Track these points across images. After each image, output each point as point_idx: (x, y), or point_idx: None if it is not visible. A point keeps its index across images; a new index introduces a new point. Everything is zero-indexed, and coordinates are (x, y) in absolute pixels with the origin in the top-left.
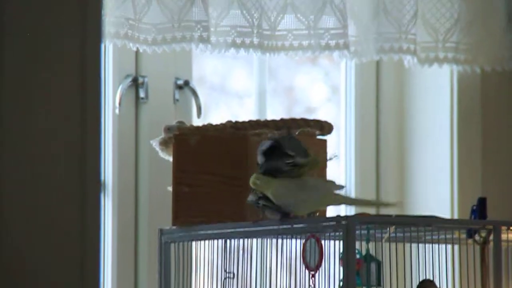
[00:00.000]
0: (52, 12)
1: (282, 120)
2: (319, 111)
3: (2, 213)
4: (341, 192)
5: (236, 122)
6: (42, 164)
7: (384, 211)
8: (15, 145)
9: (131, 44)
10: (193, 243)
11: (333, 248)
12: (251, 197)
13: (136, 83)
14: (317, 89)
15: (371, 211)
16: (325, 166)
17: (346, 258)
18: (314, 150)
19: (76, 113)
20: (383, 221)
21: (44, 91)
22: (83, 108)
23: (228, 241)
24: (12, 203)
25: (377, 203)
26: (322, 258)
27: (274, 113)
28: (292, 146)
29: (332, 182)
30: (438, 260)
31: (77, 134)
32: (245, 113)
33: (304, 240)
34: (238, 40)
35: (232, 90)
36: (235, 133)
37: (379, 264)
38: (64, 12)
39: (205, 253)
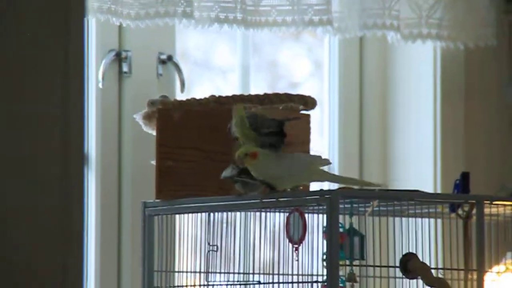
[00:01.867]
0: None
1: (265, 94)
2: (303, 86)
3: None
4: (326, 168)
5: (220, 96)
6: (24, 137)
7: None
8: None
9: (114, 19)
10: (177, 216)
11: (316, 221)
12: (227, 172)
13: (119, 58)
14: (301, 64)
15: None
16: (308, 141)
17: (330, 232)
18: (297, 125)
19: (59, 87)
20: (367, 195)
21: (27, 65)
22: (66, 82)
23: (211, 214)
24: None
25: (362, 183)
26: (305, 231)
27: (257, 88)
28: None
29: (319, 157)
30: (421, 234)
31: (60, 107)
32: (229, 88)
33: (287, 214)
34: (222, 16)
35: (215, 65)
36: (219, 107)
37: (362, 238)
38: None
39: (189, 226)
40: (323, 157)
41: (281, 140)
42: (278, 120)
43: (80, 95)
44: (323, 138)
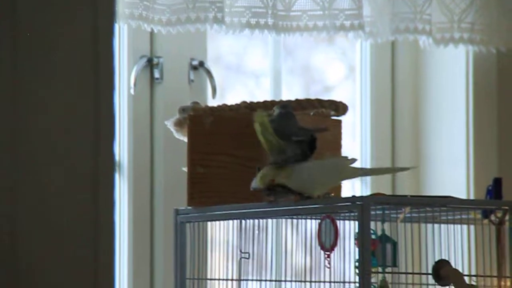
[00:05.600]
0: None
1: (297, 100)
2: (336, 90)
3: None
4: (355, 164)
5: (251, 102)
6: (56, 145)
7: (399, 190)
8: (27, 126)
9: (145, 25)
10: (209, 223)
11: (348, 228)
12: (257, 184)
13: (151, 64)
14: (334, 68)
15: (387, 189)
16: (339, 146)
17: (361, 239)
18: (329, 131)
19: (90, 94)
20: (399, 202)
21: (57, 72)
22: (97, 89)
23: (243, 221)
24: (25, 182)
25: (392, 170)
26: (337, 238)
27: (291, 92)
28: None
29: (345, 157)
30: (454, 240)
31: (91, 114)
32: (262, 93)
33: (319, 221)
34: (253, 21)
35: (248, 70)
36: (250, 113)
37: (394, 245)
38: None
39: (221, 233)
40: (349, 157)
41: (311, 150)
42: (308, 130)
43: (110, 101)
44: (356, 142)
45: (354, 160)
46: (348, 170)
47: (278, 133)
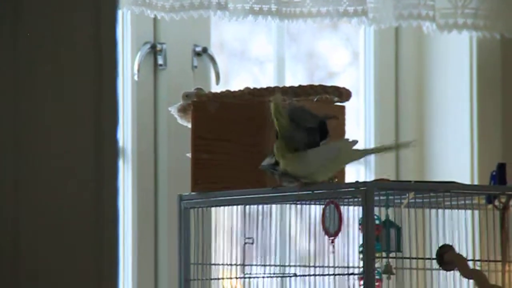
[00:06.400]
0: None
1: (300, 86)
2: (341, 76)
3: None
4: (357, 146)
5: (254, 88)
6: (59, 133)
7: (403, 176)
8: (30, 113)
9: (148, 11)
10: (213, 209)
11: (352, 213)
12: (266, 161)
13: (154, 50)
14: (338, 54)
15: (391, 175)
16: (343, 133)
17: (365, 224)
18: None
19: (93, 81)
20: (402, 187)
21: (60, 59)
22: (99, 75)
23: (247, 206)
24: (30, 169)
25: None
26: (341, 224)
27: (295, 79)
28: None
29: (346, 140)
30: (458, 225)
31: (94, 101)
32: (266, 79)
33: (323, 206)
34: (256, 7)
35: (252, 56)
36: (254, 99)
37: (398, 230)
38: None
39: (225, 218)
40: (350, 139)
41: (323, 137)
42: (319, 117)
43: (114, 87)
44: (360, 128)
45: (355, 141)
46: (351, 152)
47: (290, 117)
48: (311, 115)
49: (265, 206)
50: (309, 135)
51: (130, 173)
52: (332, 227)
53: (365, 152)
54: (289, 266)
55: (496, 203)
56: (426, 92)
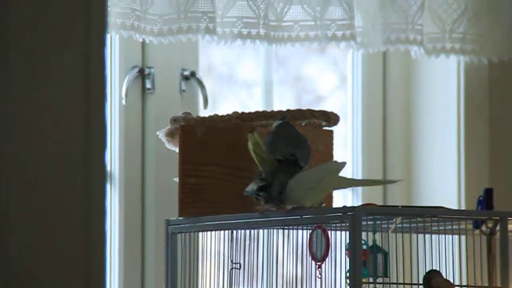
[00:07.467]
0: (57, 3)
1: (288, 111)
2: (328, 100)
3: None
4: (346, 175)
5: (242, 113)
6: (46, 155)
7: (390, 201)
8: (19, 136)
9: (137, 35)
10: (200, 233)
11: (339, 238)
12: (250, 187)
13: (142, 74)
14: (326, 78)
15: (378, 200)
16: (331, 157)
17: (353, 249)
18: (320, 141)
19: (81, 104)
20: (390, 212)
21: (48, 82)
22: (88, 99)
23: (234, 231)
24: (18, 193)
25: (381, 182)
26: (328, 249)
27: (282, 103)
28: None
29: (334, 162)
30: (445, 250)
31: (82, 124)
32: (254, 103)
33: (310, 231)
34: (245, 31)
35: (240, 80)
36: (241, 124)
37: (385, 255)
38: (68, 3)
39: (212, 243)
40: (338, 161)
41: (297, 169)
42: (291, 147)
43: (102, 111)
44: (347, 152)
45: (344, 163)
46: (337, 177)
47: (268, 150)
48: (283, 146)
49: (252, 230)
50: (286, 166)
51: (118, 197)
52: (319, 252)
53: (350, 183)
54: None
55: (483, 228)
56: (413, 116)
